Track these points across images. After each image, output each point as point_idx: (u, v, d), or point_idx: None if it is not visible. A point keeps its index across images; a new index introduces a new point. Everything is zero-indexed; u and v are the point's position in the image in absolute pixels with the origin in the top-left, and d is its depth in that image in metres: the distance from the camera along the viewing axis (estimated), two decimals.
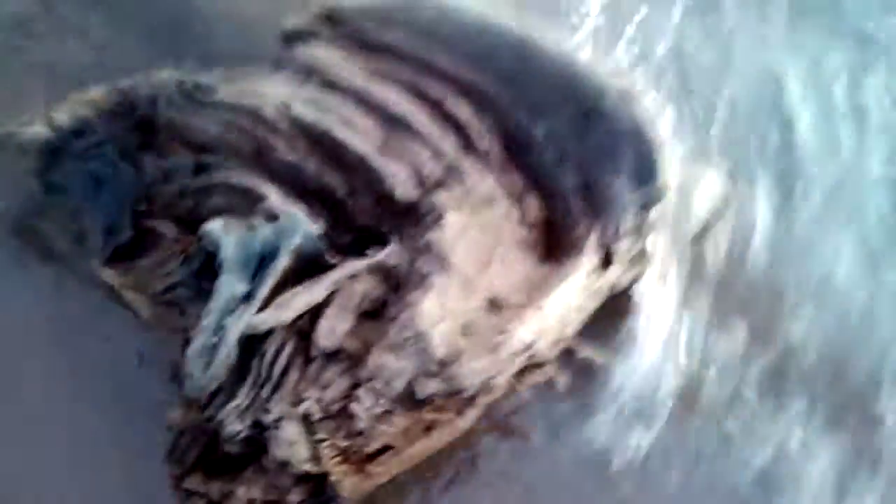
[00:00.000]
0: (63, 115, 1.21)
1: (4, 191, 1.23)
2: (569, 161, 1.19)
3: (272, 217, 1.01)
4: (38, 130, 1.21)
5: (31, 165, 1.21)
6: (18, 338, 1.16)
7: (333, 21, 1.28)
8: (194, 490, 0.93)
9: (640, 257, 1.20)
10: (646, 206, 1.19)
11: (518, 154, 1.19)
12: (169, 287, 1.07)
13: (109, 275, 1.14)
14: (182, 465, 0.95)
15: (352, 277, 1.01)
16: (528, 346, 1.06)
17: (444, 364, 0.98)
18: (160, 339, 1.10)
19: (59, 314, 1.17)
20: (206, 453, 0.94)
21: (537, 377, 1.12)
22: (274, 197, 1.06)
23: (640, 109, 1.22)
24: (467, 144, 1.18)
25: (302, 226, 1.00)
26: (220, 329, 0.92)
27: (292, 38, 1.29)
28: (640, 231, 1.18)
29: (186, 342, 1.00)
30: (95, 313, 1.15)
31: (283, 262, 0.98)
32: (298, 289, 0.98)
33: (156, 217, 1.14)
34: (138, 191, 1.16)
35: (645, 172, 1.19)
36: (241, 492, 0.91)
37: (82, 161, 1.18)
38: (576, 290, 1.12)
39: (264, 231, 0.99)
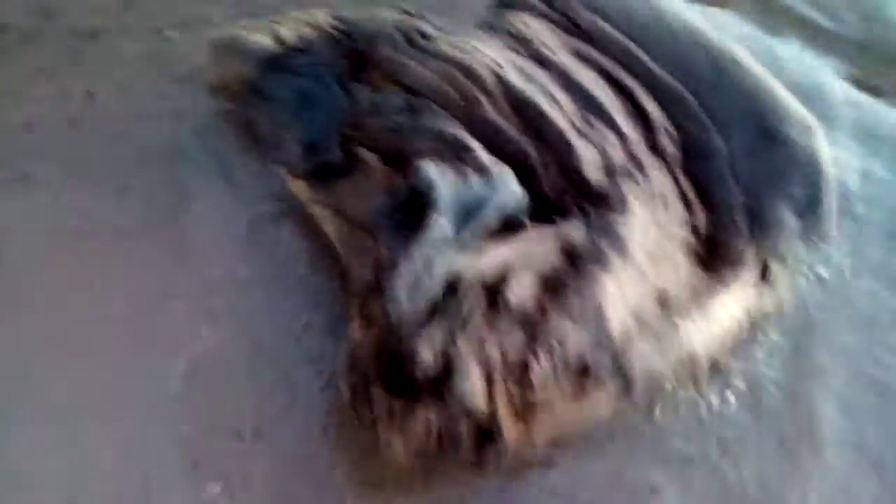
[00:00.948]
0: (287, 30, 1.27)
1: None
2: (740, 177, 1.21)
3: (482, 171, 1.06)
4: (262, 40, 1.26)
5: (250, 72, 1.26)
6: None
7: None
8: (372, 402, 1.00)
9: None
10: (806, 235, 1.22)
11: (694, 161, 1.22)
12: (368, 212, 1.11)
13: (300, 188, 1.21)
14: (363, 376, 1.02)
15: (541, 243, 1.06)
16: (693, 352, 1.10)
17: (617, 353, 1.02)
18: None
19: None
20: (388, 372, 1.00)
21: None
22: (481, 152, 1.11)
23: (818, 143, 1.25)
24: (652, 141, 1.21)
25: (511, 185, 1.05)
26: (429, 264, 0.98)
27: (506, 3, 1.35)
28: (796, 257, 1.21)
29: (378, 266, 1.05)
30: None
31: (490, 216, 1.03)
32: (500, 246, 1.03)
33: (361, 145, 1.19)
34: (347, 117, 1.21)
35: (812, 204, 1.22)
36: (420, 412, 0.97)
37: (299, 76, 1.24)
38: (736, 304, 1.16)
39: (477, 183, 1.04)
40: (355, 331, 1.04)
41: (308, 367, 1.16)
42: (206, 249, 1.24)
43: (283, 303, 1.21)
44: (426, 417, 0.98)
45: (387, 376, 1.01)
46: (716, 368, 1.17)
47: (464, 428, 0.99)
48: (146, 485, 1.05)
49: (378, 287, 1.04)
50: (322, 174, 1.19)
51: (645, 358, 1.04)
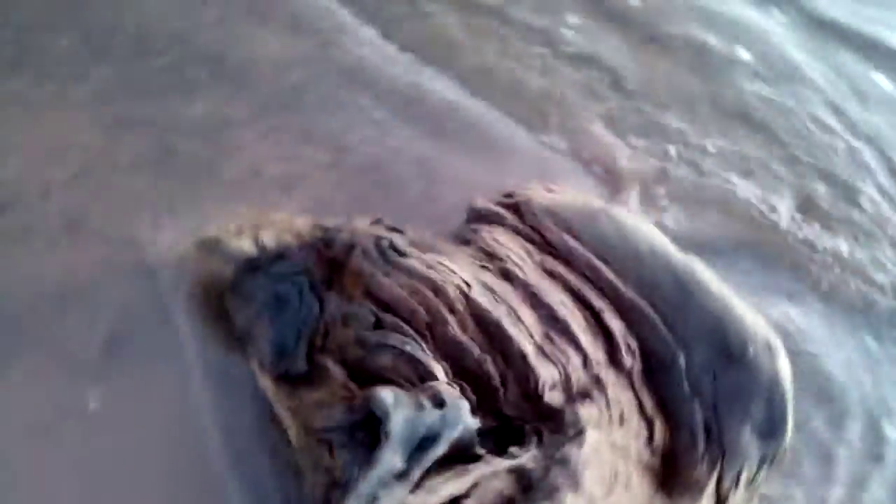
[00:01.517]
0: (269, 237, 1.35)
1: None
2: (702, 397, 1.25)
3: (439, 401, 1.09)
4: (243, 244, 1.34)
5: (228, 273, 1.34)
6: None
7: (520, 212, 1.40)
8: None
9: None
10: (764, 462, 1.25)
11: (656, 378, 1.27)
12: (326, 428, 1.14)
13: (269, 388, 1.25)
14: None
15: (494, 474, 1.08)
16: None
17: None
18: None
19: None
20: None
21: None
22: (442, 378, 1.15)
23: (780, 364, 1.28)
24: (614, 358, 1.25)
25: (465, 419, 1.08)
26: (373, 499, 1.00)
27: (479, 217, 1.42)
28: (752, 485, 1.23)
29: (332, 483, 1.08)
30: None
31: (440, 450, 1.05)
32: (448, 476, 1.05)
33: (327, 355, 1.23)
34: (318, 325, 1.26)
35: (773, 427, 1.25)
36: None
37: (274, 281, 1.30)
38: None
39: (432, 415, 1.06)
40: None
41: None
42: None
43: None
44: None
45: None
46: None
47: None
48: None
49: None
50: (287, 378, 1.24)
51: None
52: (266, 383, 1.26)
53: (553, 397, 1.19)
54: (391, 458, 1.04)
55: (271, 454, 1.27)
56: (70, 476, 1.24)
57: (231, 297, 1.33)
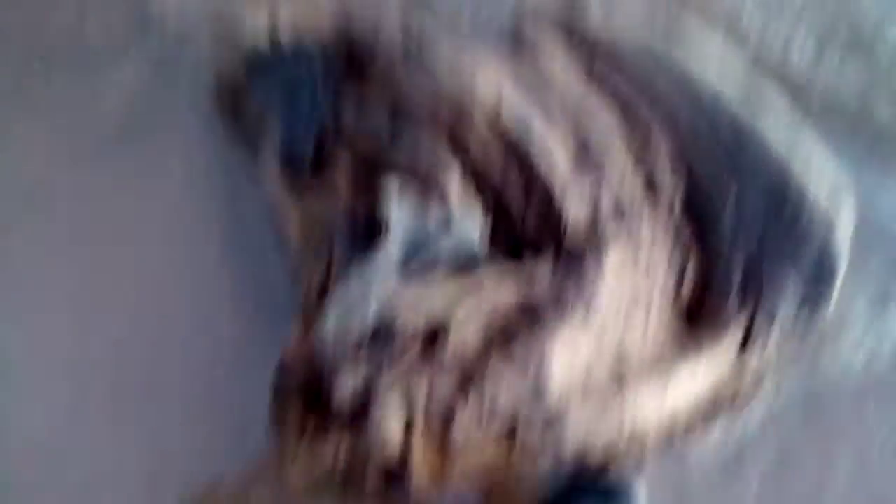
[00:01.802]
0: (288, 18, 1.24)
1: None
2: (747, 232, 1.14)
3: (447, 209, 1.02)
4: (260, 27, 1.25)
5: (244, 63, 1.25)
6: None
7: (573, 36, 1.26)
8: (289, 417, 0.98)
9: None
10: (805, 305, 1.13)
11: (699, 204, 1.15)
12: (328, 220, 1.10)
13: (276, 182, 1.19)
14: (285, 391, 1.00)
15: (498, 284, 1.01)
16: (637, 429, 1.04)
17: (551, 416, 0.98)
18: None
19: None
20: (313, 392, 0.98)
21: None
22: (454, 186, 1.06)
23: (840, 234, 1.15)
24: (656, 194, 1.14)
25: (470, 230, 1.01)
26: (365, 295, 0.95)
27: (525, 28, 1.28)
28: (793, 330, 1.12)
29: (325, 283, 1.05)
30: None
31: (440, 258, 0.99)
32: (446, 291, 0.98)
33: (339, 151, 1.16)
34: (331, 118, 1.18)
35: (820, 274, 1.13)
36: (332, 439, 0.96)
37: (293, 66, 1.21)
38: (703, 377, 1.08)
39: (435, 219, 1.00)
40: (292, 338, 1.03)
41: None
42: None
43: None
44: (337, 444, 0.96)
45: (308, 395, 1.00)
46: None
47: (372, 466, 0.97)
48: None
49: (320, 301, 1.03)
50: (296, 174, 1.17)
51: (581, 425, 0.99)
52: (274, 177, 1.19)
53: (577, 216, 1.09)
54: (387, 255, 0.98)
55: (275, 252, 1.20)
56: (66, 253, 1.21)
57: (243, 86, 1.23)
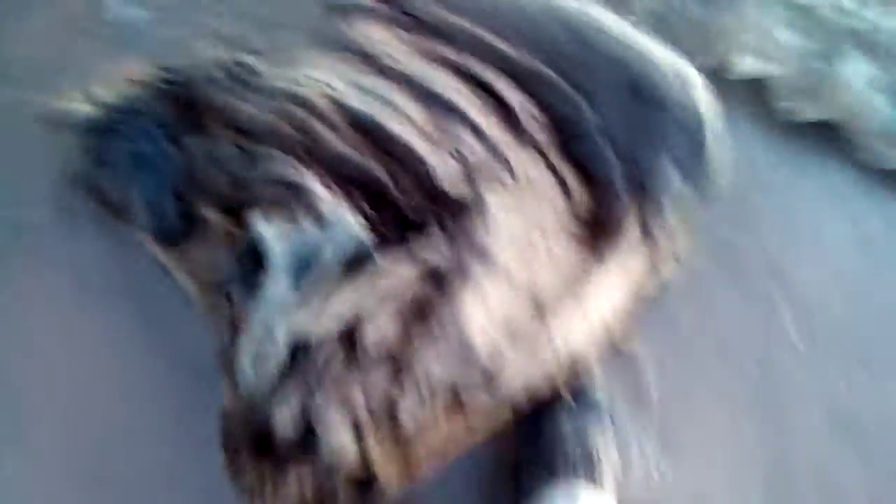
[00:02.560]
0: (106, 92, 1.21)
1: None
2: (618, 145, 1.15)
3: (316, 215, 1.02)
4: (81, 108, 1.21)
5: (80, 142, 1.21)
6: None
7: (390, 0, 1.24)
8: (245, 470, 0.98)
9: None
10: (690, 181, 1.16)
11: (568, 143, 1.16)
12: (217, 277, 1.09)
13: (158, 252, 1.17)
14: (233, 446, 1.00)
15: (396, 271, 1.02)
16: (572, 351, 1.07)
17: (488, 373, 0.99)
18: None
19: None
20: (258, 438, 0.98)
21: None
22: (320, 192, 1.05)
23: (697, 93, 1.18)
24: (517, 131, 1.15)
25: (348, 226, 1.01)
26: (269, 330, 0.95)
27: (337, 9, 1.26)
28: (683, 214, 1.16)
29: (235, 332, 1.02)
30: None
31: (330, 262, 0.99)
32: (346, 291, 0.99)
33: (203, 203, 1.14)
34: (184, 174, 1.16)
35: (692, 146, 1.17)
36: (292, 474, 0.96)
37: (128, 140, 1.18)
38: (617, 279, 1.12)
39: (310, 230, 1.00)
40: (225, 397, 1.03)
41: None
42: None
43: None
44: (298, 478, 0.97)
45: (254, 443, 1.00)
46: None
47: (338, 480, 0.98)
48: None
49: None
50: (171, 239, 1.16)
51: (519, 370, 1.02)
52: (154, 248, 1.18)
53: (453, 184, 1.09)
54: (278, 283, 0.98)
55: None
56: None
57: (91, 170, 1.20)
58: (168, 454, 1.15)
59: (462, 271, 1.03)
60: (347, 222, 1.02)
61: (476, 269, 1.03)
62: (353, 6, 1.25)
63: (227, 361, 1.03)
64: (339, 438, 0.95)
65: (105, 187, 1.20)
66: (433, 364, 0.98)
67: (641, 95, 1.18)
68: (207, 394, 1.10)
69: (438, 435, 1.00)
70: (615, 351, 1.20)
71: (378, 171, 1.10)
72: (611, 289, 1.11)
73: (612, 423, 1.15)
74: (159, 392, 1.20)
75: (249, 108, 1.13)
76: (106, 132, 1.19)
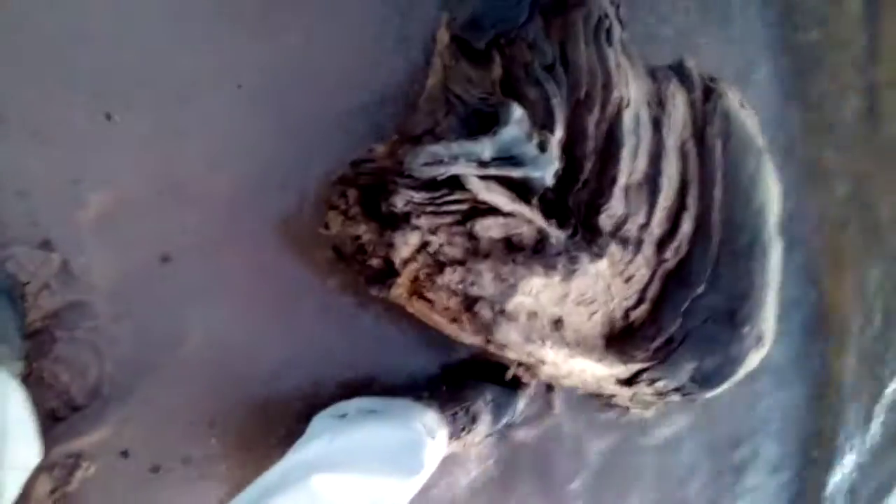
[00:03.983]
0: None
1: None
2: (685, 322, 1.43)
3: (543, 147, 1.29)
4: None
5: None
6: None
7: (707, 96, 1.48)
8: (343, 194, 1.35)
9: None
10: (679, 392, 1.48)
11: (678, 278, 1.44)
12: (459, 95, 1.38)
13: (443, 41, 1.46)
14: (348, 179, 1.35)
15: (527, 221, 1.31)
16: (542, 361, 1.38)
17: (500, 312, 1.30)
18: None
19: None
20: (369, 187, 1.33)
21: None
22: (557, 138, 1.33)
23: (757, 355, 1.46)
24: (662, 243, 1.43)
25: (547, 173, 1.29)
26: (455, 157, 1.23)
27: (679, 69, 1.49)
28: (661, 397, 1.51)
29: (433, 125, 1.35)
30: None
31: (515, 173, 1.28)
32: (504, 192, 1.29)
33: (501, 55, 1.43)
34: (511, 31, 1.43)
35: (712, 378, 1.46)
36: (362, 224, 1.32)
37: None
38: (598, 371, 1.44)
39: (531, 149, 1.28)
40: (385, 144, 1.34)
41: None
42: None
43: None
44: (363, 230, 1.31)
45: (366, 188, 1.33)
46: None
47: (378, 256, 1.32)
48: None
49: (419, 137, 1.34)
50: (461, 44, 1.45)
51: (510, 333, 1.30)
52: (444, 37, 1.46)
53: (604, 223, 1.38)
54: (484, 147, 1.27)
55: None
56: None
57: None
58: None
59: (550, 262, 1.31)
60: (551, 169, 1.31)
61: (557, 272, 1.32)
62: (688, 77, 1.51)
63: (406, 132, 1.36)
64: (407, 244, 1.28)
65: None
66: (484, 280, 1.29)
67: (732, 321, 1.44)
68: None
69: (440, 305, 1.33)
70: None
71: (588, 163, 1.38)
72: (590, 368, 1.43)
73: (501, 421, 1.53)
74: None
75: (584, 49, 1.40)
76: None
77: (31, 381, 1.40)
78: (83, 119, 1.41)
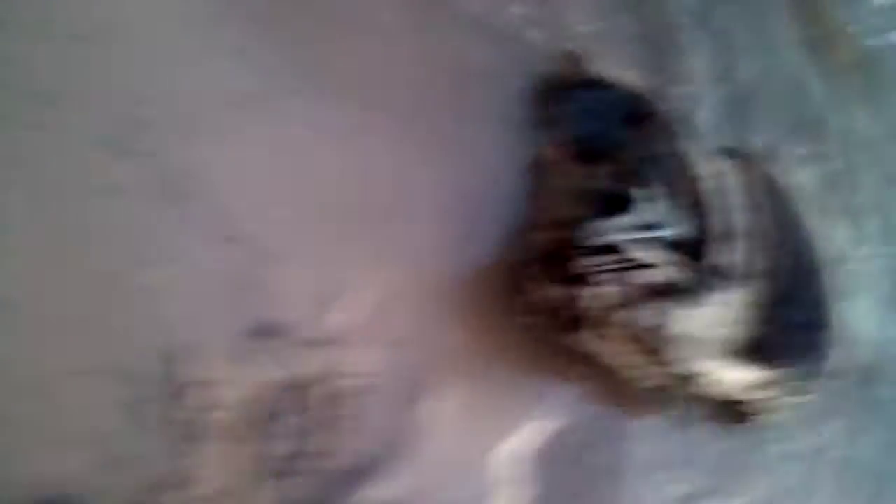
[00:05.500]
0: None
1: None
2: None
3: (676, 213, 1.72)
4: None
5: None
6: None
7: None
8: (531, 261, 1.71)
9: None
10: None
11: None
12: (590, 187, 1.76)
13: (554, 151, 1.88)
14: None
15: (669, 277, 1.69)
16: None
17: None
18: None
19: None
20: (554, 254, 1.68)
21: None
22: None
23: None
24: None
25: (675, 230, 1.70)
26: (615, 229, 1.64)
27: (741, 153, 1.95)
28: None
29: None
30: None
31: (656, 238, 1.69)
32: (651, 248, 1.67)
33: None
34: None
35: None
36: (554, 287, 1.67)
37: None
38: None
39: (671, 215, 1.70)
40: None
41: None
42: None
43: None
44: (553, 290, 1.67)
45: (551, 255, 1.70)
46: None
47: (566, 313, 1.67)
48: None
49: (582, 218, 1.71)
50: (586, 151, 1.82)
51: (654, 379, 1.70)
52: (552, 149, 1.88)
53: (721, 263, 1.75)
54: (630, 221, 1.67)
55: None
56: None
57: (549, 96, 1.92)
58: None
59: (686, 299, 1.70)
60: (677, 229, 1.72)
61: (697, 302, 1.70)
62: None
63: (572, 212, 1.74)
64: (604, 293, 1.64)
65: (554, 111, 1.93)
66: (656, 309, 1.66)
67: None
68: None
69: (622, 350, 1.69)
70: None
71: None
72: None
73: None
74: None
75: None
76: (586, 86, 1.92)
77: None
78: None
